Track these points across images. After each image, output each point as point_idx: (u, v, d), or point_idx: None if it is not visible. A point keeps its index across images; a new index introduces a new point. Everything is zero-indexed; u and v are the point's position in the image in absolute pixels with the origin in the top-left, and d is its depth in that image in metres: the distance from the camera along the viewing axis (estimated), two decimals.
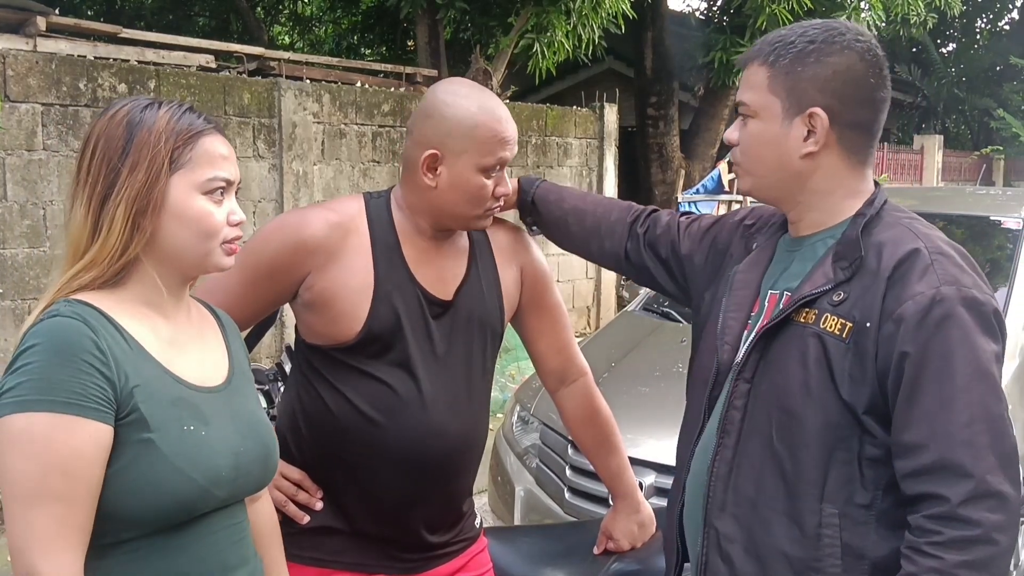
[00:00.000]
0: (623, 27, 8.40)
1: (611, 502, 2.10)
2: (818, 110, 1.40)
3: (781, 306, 1.45)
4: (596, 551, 2.00)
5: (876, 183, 1.50)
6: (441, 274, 1.76)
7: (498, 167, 1.70)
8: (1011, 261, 3.70)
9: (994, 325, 1.32)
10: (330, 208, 1.75)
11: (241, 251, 1.74)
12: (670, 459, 2.92)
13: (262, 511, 1.54)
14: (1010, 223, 3.94)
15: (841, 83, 1.40)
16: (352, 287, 1.67)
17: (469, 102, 1.69)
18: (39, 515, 1.16)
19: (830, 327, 1.38)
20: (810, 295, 1.41)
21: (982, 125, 19.78)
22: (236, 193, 1.40)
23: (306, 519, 1.74)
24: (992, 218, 3.99)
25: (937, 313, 1.29)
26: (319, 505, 1.74)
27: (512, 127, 1.72)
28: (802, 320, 1.41)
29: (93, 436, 1.19)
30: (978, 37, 20.59)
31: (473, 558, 1.88)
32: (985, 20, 20.53)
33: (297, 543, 1.73)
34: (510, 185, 1.76)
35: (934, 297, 1.30)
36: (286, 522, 1.72)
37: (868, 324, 1.34)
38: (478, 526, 1.93)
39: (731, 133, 1.51)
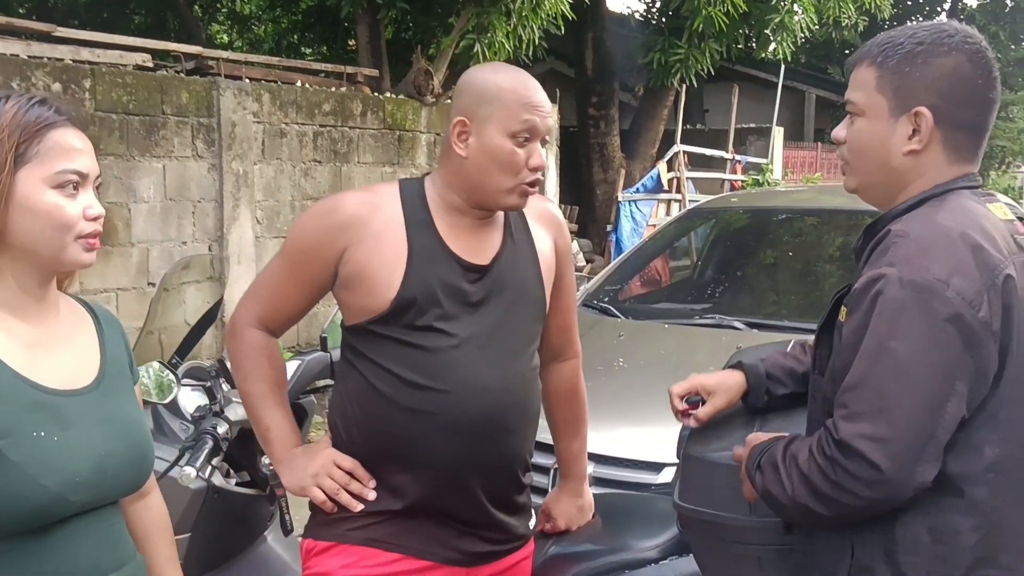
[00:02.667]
0: (562, 28, 8.51)
1: (548, 489, 2.16)
2: (923, 109, 1.41)
3: None
4: (534, 528, 2.05)
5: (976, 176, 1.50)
6: (476, 244, 1.79)
7: (527, 135, 1.71)
8: None
9: (933, 307, 1.31)
10: (364, 189, 1.84)
11: (284, 242, 1.82)
12: (608, 450, 3.03)
13: (150, 507, 1.52)
14: None
15: (948, 84, 1.41)
16: (386, 257, 1.71)
17: (496, 73, 1.77)
18: None
19: (842, 317, 1.45)
20: (840, 292, 1.49)
21: None
22: (96, 188, 1.35)
23: (359, 507, 1.75)
24: None
25: (872, 292, 1.34)
26: (372, 495, 1.75)
27: (542, 96, 1.74)
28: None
29: None
30: None
31: (515, 565, 1.88)
32: (915, 22, 21.15)
33: (346, 524, 1.75)
34: (545, 159, 1.76)
35: (873, 277, 1.35)
36: (339, 507, 1.75)
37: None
38: (532, 526, 1.92)
39: (839, 131, 1.53)
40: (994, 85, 1.45)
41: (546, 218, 1.92)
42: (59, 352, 1.34)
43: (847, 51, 19.45)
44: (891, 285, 1.33)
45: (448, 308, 1.73)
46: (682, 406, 1.73)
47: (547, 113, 1.75)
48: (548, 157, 9.34)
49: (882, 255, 1.36)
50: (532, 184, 1.75)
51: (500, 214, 1.85)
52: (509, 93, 1.71)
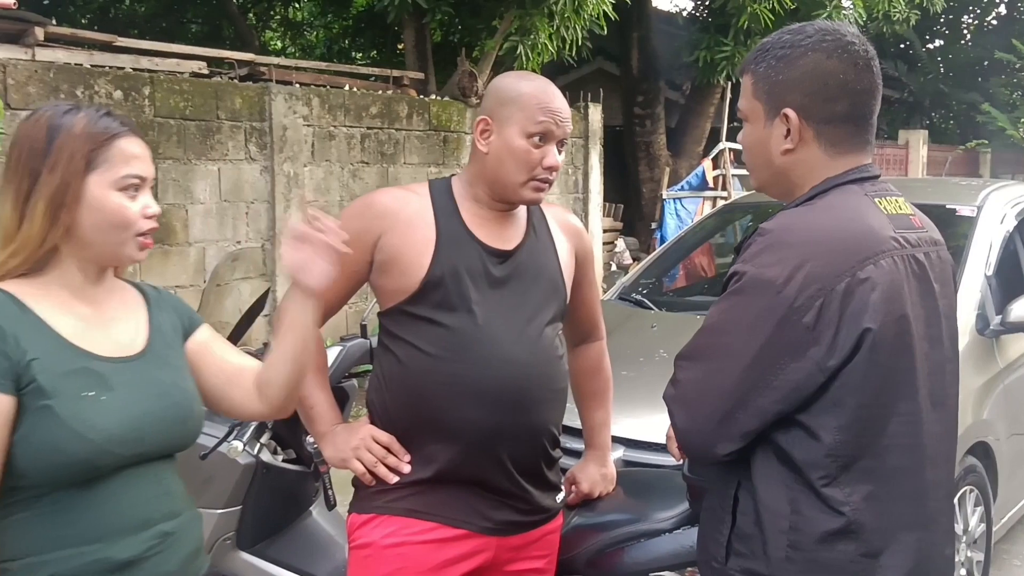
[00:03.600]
0: (605, 28, 8.59)
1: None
2: (789, 110, 1.51)
3: None
4: (562, 501, 2.17)
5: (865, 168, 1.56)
6: (500, 233, 1.95)
7: (542, 136, 1.88)
8: (964, 248, 3.88)
9: (761, 307, 1.42)
10: (397, 187, 2.03)
11: None
12: (640, 435, 3.15)
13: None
14: (965, 211, 4.12)
15: (810, 83, 1.50)
16: (416, 242, 1.88)
17: (521, 80, 1.95)
18: None
19: None
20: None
21: (968, 120, 19.97)
22: (152, 189, 1.55)
23: (395, 479, 1.90)
24: (948, 206, 4.16)
25: (728, 286, 1.48)
26: (407, 468, 1.90)
27: (560, 103, 1.91)
28: None
29: None
30: (965, 32, 20.79)
31: (543, 537, 2.02)
32: (972, 16, 20.73)
33: (386, 496, 1.91)
34: (559, 160, 1.92)
35: (730, 272, 1.48)
36: (377, 480, 1.91)
37: None
38: (559, 501, 2.08)
39: (739, 137, 1.65)
40: (862, 76, 1.52)
41: (567, 227, 2.09)
42: (110, 327, 1.53)
43: (901, 45, 19.22)
44: (738, 280, 1.46)
45: (473, 288, 1.88)
46: (676, 451, 1.85)
47: (564, 120, 1.90)
48: (593, 156, 9.44)
49: (745, 251, 1.49)
50: (545, 180, 1.91)
51: (523, 212, 2.01)
52: (529, 98, 1.88)
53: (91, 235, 1.48)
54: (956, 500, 3.35)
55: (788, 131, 1.53)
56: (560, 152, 1.93)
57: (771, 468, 1.47)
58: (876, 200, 1.53)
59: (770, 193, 1.64)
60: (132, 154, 1.50)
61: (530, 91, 1.90)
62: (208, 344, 1.67)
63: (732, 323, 1.47)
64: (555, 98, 1.91)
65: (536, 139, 1.88)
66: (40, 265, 1.48)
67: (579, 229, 2.14)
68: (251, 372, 1.66)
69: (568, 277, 2.04)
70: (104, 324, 1.53)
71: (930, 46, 20.34)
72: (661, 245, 10.04)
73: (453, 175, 2.03)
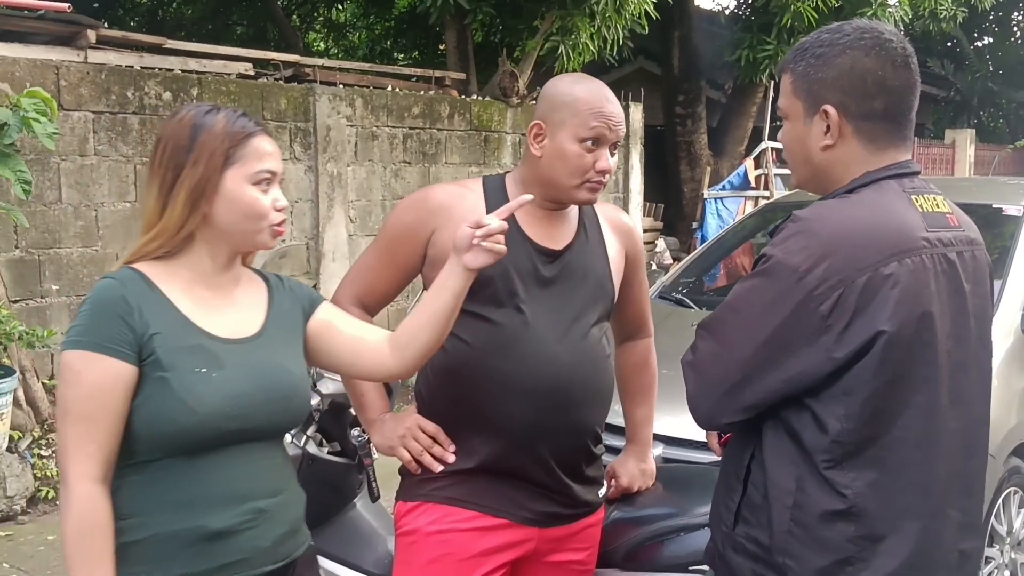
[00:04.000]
0: (646, 27, 8.58)
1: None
2: (829, 107, 1.53)
3: None
4: (603, 495, 2.20)
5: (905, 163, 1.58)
6: (551, 232, 1.97)
7: (595, 140, 1.88)
8: (1010, 248, 3.84)
9: (783, 291, 1.47)
10: (451, 182, 2.07)
11: (380, 229, 2.06)
12: (680, 433, 3.16)
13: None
14: (1012, 211, 4.07)
15: (848, 80, 1.52)
16: None
17: (575, 84, 1.94)
18: (70, 430, 1.50)
19: None
20: None
21: (1018, 118, 19.59)
22: (280, 184, 1.67)
23: (439, 468, 1.95)
24: (995, 206, 4.12)
25: (756, 266, 1.54)
26: (452, 458, 1.95)
27: (613, 107, 1.91)
28: None
29: (112, 370, 1.50)
30: (1015, 29, 20.40)
31: (584, 530, 2.04)
32: (1022, 13, 20.33)
33: (431, 484, 1.96)
34: (611, 163, 1.93)
35: (761, 255, 1.54)
36: (423, 468, 1.96)
37: None
38: (601, 496, 2.11)
39: (779, 134, 1.69)
40: (900, 73, 1.54)
41: (617, 226, 2.10)
42: (228, 310, 1.65)
43: (948, 43, 18.90)
44: (765, 262, 1.50)
45: (522, 288, 1.91)
46: (717, 446, 1.91)
47: (617, 124, 1.91)
48: (633, 156, 9.44)
49: (777, 235, 1.52)
50: (599, 183, 1.93)
51: (574, 211, 2.03)
52: (582, 103, 1.89)
53: (226, 224, 1.60)
54: (1001, 501, 3.32)
55: (828, 127, 1.56)
56: (613, 155, 1.94)
57: (781, 445, 1.52)
58: (913, 197, 1.54)
59: (810, 190, 1.66)
60: (266, 151, 1.63)
61: (583, 95, 1.90)
62: (330, 321, 1.77)
63: (752, 302, 1.52)
64: (608, 102, 1.91)
65: (589, 143, 1.88)
66: (175, 250, 1.62)
67: (630, 228, 2.15)
68: (375, 338, 1.76)
69: (616, 277, 2.06)
70: (223, 307, 1.64)
71: (978, 44, 19.99)
72: (702, 245, 10.05)
73: (507, 172, 2.05)
